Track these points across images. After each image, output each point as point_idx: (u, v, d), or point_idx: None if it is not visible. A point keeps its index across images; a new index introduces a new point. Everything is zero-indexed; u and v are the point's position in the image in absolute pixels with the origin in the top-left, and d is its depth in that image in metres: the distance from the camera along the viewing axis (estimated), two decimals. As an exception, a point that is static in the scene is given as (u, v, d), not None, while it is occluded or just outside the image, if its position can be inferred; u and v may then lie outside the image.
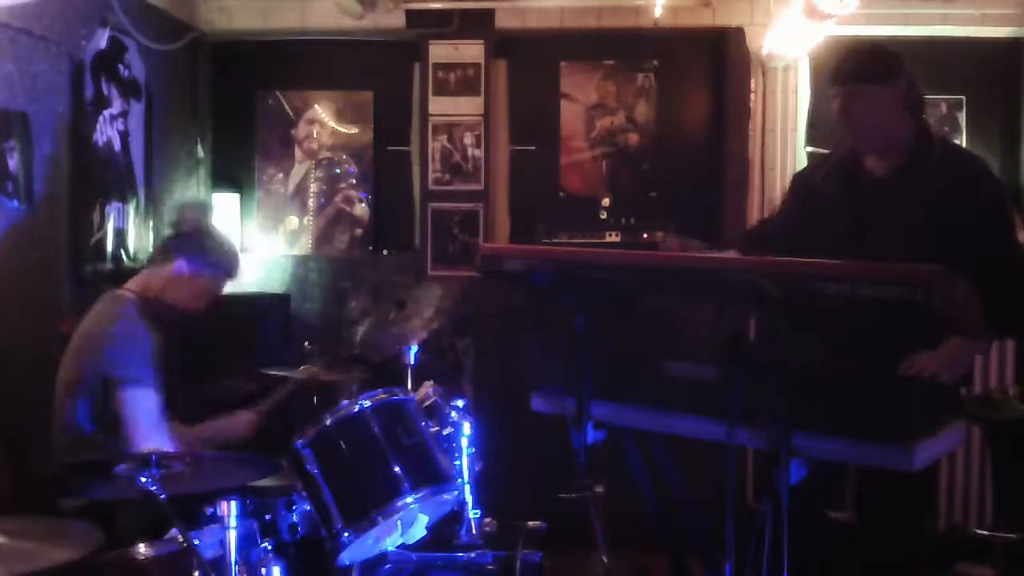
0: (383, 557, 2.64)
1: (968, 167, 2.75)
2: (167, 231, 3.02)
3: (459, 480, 2.72)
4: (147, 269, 3.11)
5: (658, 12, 4.29)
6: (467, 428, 2.94)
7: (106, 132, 3.88)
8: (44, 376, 3.03)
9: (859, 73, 2.67)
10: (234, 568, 2.16)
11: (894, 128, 2.69)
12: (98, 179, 3.80)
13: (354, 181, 4.95)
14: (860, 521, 2.85)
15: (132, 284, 3.05)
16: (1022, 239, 3.04)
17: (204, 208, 3.88)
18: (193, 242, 3.06)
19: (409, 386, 3.31)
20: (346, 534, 2.30)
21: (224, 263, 3.11)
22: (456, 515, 2.86)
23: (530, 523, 2.94)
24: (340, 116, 4.94)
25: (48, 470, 2.73)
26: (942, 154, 2.74)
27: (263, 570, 2.24)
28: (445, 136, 4.75)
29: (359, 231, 4.95)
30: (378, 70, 4.94)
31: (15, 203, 3.22)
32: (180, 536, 2.08)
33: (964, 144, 4.67)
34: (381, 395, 2.50)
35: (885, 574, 2.78)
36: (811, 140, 4.62)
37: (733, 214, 4.66)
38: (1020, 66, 4.68)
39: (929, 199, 2.65)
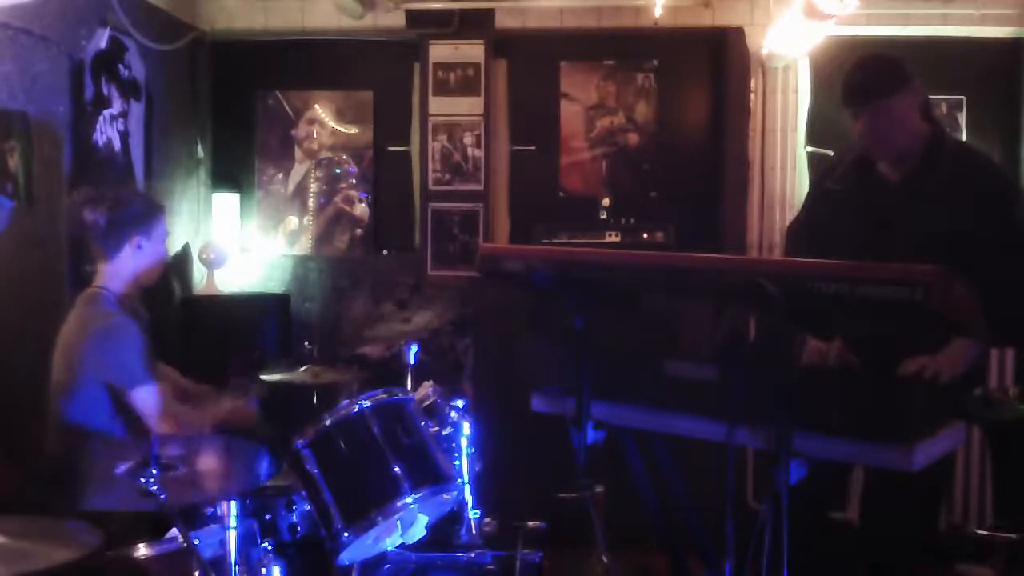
0: (383, 557, 2.65)
1: (980, 168, 2.75)
2: (100, 223, 2.89)
3: (459, 480, 2.72)
4: (106, 264, 2.93)
5: (658, 12, 4.29)
6: (467, 428, 2.95)
7: (106, 132, 3.88)
8: (44, 376, 3.03)
9: (880, 88, 2.64)
10: (234, 568, 2.16)
11: (917, 133, 2.69)
12: (98, 179, 3.79)
13: (354, 181, 4.95)
14: (862, 520, 2.85)
15: (101, 280, 2.93)
16: None
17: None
18: (132, 214, 2.92)
19: (409, 386, 3.31)
20: (346, 534, 2.31)
21: (158, 210, 3.02)
22: (456, 515, 2.87)
23: (530, 523, 2.94)
24: (340, 116, 4.94)
25: (48, 470, 2.73)
26: (954, 155, 2.74)
27: (263, 570, 2.24)
28: (445, 136, 4.74)
29: (359, 231, 4.95)
30: (378, 70, 4.94)
31: (15, 203, 3.22)
32: (180, 536, 2.09)
33: (964, 144, 4.68)
34: (381, 395, 2.51)
35: (886, 574, 2.78)
36: (811, 140, 4.62)
37: (733, 214, 4.66)
38: (1020, 66, 4.68)
39: (943, 201, 2.65)
